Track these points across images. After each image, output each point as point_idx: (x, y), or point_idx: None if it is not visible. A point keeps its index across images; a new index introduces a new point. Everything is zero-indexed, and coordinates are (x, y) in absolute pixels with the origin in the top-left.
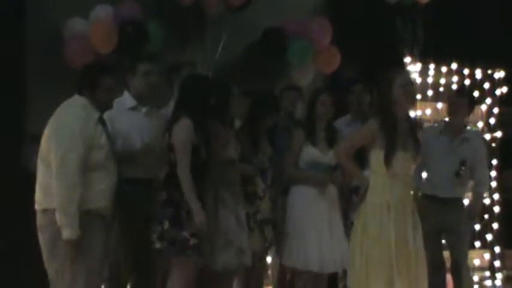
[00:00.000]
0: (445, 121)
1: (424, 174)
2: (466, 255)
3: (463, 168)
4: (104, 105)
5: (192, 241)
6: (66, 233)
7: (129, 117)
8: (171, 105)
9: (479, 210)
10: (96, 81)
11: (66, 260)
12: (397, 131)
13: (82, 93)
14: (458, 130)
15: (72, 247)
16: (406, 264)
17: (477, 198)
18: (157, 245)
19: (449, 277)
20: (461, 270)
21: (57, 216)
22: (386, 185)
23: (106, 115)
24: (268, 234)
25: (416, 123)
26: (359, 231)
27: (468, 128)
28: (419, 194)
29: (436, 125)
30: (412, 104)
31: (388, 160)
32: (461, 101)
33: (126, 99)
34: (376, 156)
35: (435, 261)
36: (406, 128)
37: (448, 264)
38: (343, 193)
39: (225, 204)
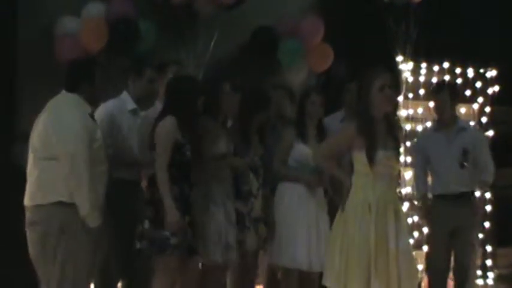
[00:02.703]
0: (435, 120)
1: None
2: (473, 258)
3: (466, 157)
4: (95, 101)
5: (173, 240)
6: (94, 222)
7: (130, 120)
8: (158, 105)
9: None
10: (92, 72)
11: (56, 255)
12: (376, 130)
13: (75, 88)
14: (451, 123)
15: (96, 233)
16: (386, 265)
17: (481, 186)
18: (138, 245)
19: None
20: (466, 274)
21: (83, 207)
22: (368, 185)
23: (107, 111)
24: (261, 232)
25: (394, 122)
26: (340, 229)
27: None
28: (429, 196)
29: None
30: (390, 106)
31: (370, 159)
32: (442, 97)
33: (126, 101)
34: (358, 158)
35: (440, 264)
36: (384, 127)
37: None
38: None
39: (214, 201)
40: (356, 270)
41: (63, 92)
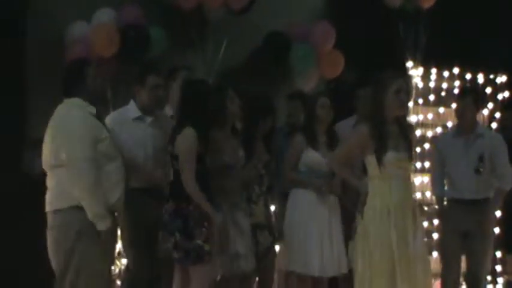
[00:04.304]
0: (455, 124)
1: (446, 180)
2: (485, 266)
3: (481, 164)
4: (98, 99)
5: (206, 247)
6: (101, 225)
7: (132, 129)
8: (167, 110)
9: (498, 206)
10: (83, 73)
11: (71, 259)
12: (387, 132)
13: (73, 92)
14: (471, 129)
15: (108, 236)
16: (409, 267)
17: (497, 193)
18: (175, 255)
19: None
20: (478, 280)
21: (88, 211)
22: (384, 188)
23: (108, 125)
24: (263, 240)
25: (406, 125)
26: (360, 236)
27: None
28: (445, 200)
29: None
30: (403, 110)
31: (379, 160)
32: (465, 101)
33: (131, 109)
34: (370, 162)
35: (451, 268)
36: (397, 130)
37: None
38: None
39: (219, 211)
40: (380, 274)
41: (65, 99)
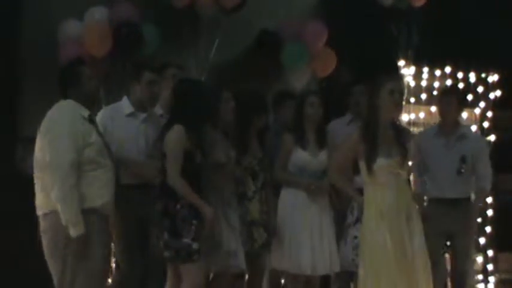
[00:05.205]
0: (438, 123)
1: (427, 179)
2: (470, 264)
3: (464, 165)
4: (92, 100)
5: (195, 245)
6: (73, 231)
7: (125, 125)
8: (157, 108)
9: (480, 205)
10: (78, 74)
11: (66, 261)
12: (379, 137)
13: (67, 94)
14: (453, 128)
15: (81, 244)
16: (408, 268)
17: (479, 193)
18: (166, 254)
19: None
20: (463, 279)
21: (61, 217)
22: (377, 194)
23: (99, 122)
24: (258, 237)
25: (401, 129)
26: (361, 243)
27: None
28: (425, 199)
29: (428, 127)
30: (398, 112)
31: (369, 167)
32: (449, 99)
33: (124, 105)
34: (362, 167)
35: (434, 264)
36: (391, 135)
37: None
38: (338, 212)
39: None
40: (380, 278)
41: (61, 100)
